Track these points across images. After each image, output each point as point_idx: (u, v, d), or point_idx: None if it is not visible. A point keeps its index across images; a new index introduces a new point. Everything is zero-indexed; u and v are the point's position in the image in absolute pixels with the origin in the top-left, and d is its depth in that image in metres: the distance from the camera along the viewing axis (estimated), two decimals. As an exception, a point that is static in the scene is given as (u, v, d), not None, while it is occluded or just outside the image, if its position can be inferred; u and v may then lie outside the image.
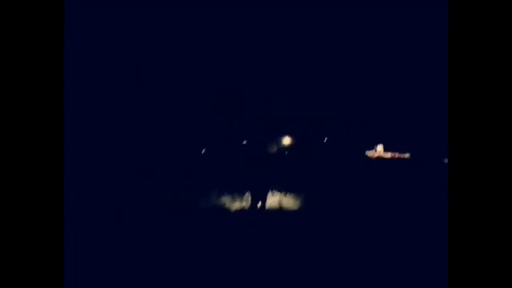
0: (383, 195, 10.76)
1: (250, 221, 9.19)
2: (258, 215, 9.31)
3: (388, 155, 17.40)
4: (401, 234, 7.56)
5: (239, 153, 13.38)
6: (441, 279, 4.60)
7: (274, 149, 12.39)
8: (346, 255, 6.54)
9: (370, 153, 17.51)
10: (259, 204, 10.51)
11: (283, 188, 11.44)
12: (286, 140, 14.57)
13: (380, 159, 16.98)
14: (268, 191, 10.87)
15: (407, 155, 17.12)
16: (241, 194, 11.09)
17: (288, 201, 11.03)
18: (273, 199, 10.91)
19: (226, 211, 9.86)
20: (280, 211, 10.58)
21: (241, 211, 9.80)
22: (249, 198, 10.69)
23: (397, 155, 17.30)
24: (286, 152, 14.57)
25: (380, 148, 17.59)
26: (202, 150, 13.05)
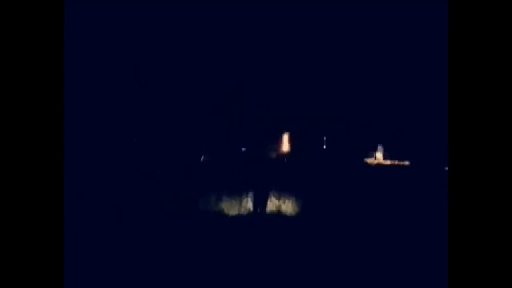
0: (382, 196, 10.75)
1: (249, 221, 9.19)
2: (257, 217, 9.32)
3: (388, 162, 17.38)
4: (400, 236, 7.56)
5: (239, 153, 13.39)
6: (441, 278, 4.60)
7: (273, 154, 12.45)
8: (346, 258, 6.53)
9: (369, 160, 17.50)
10: (259, 209, 10.59)
11: (283, 189, 11.51)
12: (285, 146, 14.55)
13: (379, 165, 16.96)
14: (268, 193, 10.95)
15: (406, 163, 17.08)
16: (240, 195, 11.13)
17: (287, 205, 11.07)
18: (273, 202, 10.99)
19: (225, 211, 9.86)
20: (279, 213, 10.69)
21: (241, 212, 9.80)
22: (249, 200, 10.76)
23: (396, 162, 17.28)
24: (285, 160, 14.55)
25: (379, 155, 17.59)
26: (201, 158, 13.04)
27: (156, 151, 13.11)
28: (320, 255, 6.77)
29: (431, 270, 5.70)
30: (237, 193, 11.16)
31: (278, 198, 11.32)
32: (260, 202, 10.69)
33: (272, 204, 11.01)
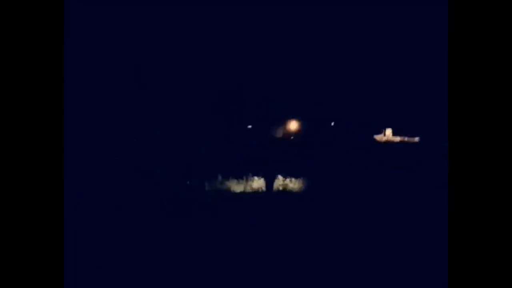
0: (384, 193, 10.79)
1: (248, 222, 9.20)
2: (254, 220, 9.45)
3: (397, 139, 17.50)
4: (401, 233, 7.56)
5: (239, 153, 13.45)
6: (441, 278, 4.60)
7: (280, 133, 13.00)
8: (347, 236, 6.70)
9: (378, 137, 17.58)
10: (267, 188, 11.21)
11: (290, 169, 12.07)
12: (293, 125, 14.85)
13: (388, 143, 17.08)
14: (275, 173, 11.58)
15: (416, 139, 17.23)
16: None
17: (294, 183, 11.67)
18: (280, 181, 11.61)
19: (225, 211, 9.87)
20: (285, 191, 11.28)
21: (241, 213, 9.82)
22: (256, 179, 11.49)
23: (406, 139, 17.38)
24: (292, 137, 14.92)
25: (388, 132, 17.71)
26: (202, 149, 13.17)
27: (156, 151, 13.12)
28: (323, 233, 7.06)
29: (431, 270, 5.70)
30: (245, 173, 11.82)
31: (285, 177, 11.93)
32: (269, 181, 11.49)
33: (279, 182, 11.72)
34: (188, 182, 11.64)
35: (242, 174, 11.97)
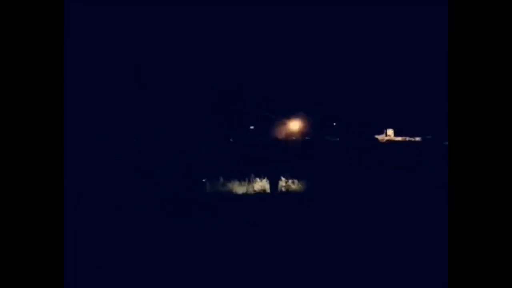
0: (385, 193, 10.80)
1: (248, 223, 9.21)
2: (257, 220, 9.48)
3: (399, 138, 17.55)
4: (401, 233, 7.56)
5: (240, 154, 13.47)
6: (441, 278, 4.60)
7: (282, 134, 13.16)
8: (348, 233, 6.75)
9: (380, 137, 17.61)
10: (271, 189, 11.34)
11: (293, 170, 12.16)
12: (294, 126, 14.95)
13: (390, 142, 17.11)
14: (278, 174, 11.70)
15: (417, 139, 17.29)
16: (243, 196, 11.26)
17: (297, 185, 11.79)
18: (284, 182, 11.74)
19: (227, 212, 9.87)
20: (288, 192, 11.38)
21: (243, 214, 9.83)
22: (259, 180, 11.58)
23: (407, 139, 17.42)
24: (294, 138, 14.99)
25: (390, 132, 17.77)
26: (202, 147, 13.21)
27: (156, 151, 13.12)
28: (326, 232, 7.17)
29: (431, 270, 5.70)
30: (247, 174, 11.89)
31: (288, 178, 12.01)
32: (272, 182, 11.61)
33: (282, 184, 11.81)
34: (203, 180, 11.64)
35: (244, 176, 11.99)
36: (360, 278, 5.66)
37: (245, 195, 11.30)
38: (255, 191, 11.66)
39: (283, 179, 12.11)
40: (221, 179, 11.82)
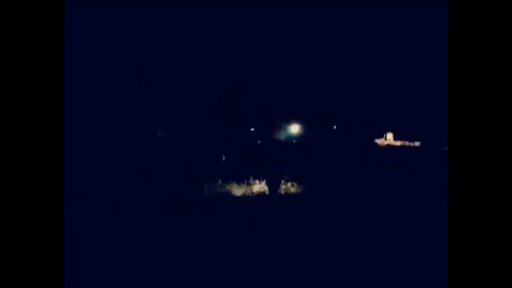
0: (385, 194, 10.81)
1: (247, 224, 9.22)
2: (255, 220, 9.50)
3: (398, 143, 17.53)
4: (401, 234, 7.56)
5: (239, 153, 13.46)
6: (441, 278, 4.60)
7: (281, 136, 13.21)
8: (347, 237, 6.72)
9: (379, 141, 17.59)
10: (271, 191, 11.37)
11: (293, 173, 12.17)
12: (295, 129, 14.97)
13: (389, 147, 17.09)
14: (278, 177, 11.73)
15: (417, 144, 17.27)
16: (242, 198, 11.26)
17: (296, 188, 11.80)
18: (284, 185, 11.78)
19: (226, 211, 9.88)
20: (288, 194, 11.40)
21: (243, 214, 9.84)
22: (258, 182, 11.58)
23: (407, 143, 17.40)
24: (294, 141, 15.01)
25: (390, 136, 17.75)
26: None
27: (156, 151, 13.12)
28: (325, 234, 7.17)
29: (431, 270, 5.70)
30: (246, 175, 11.90)
31: (287, 181, 12.03)
32: (271, 184, 11.66)
33: (281, 186, 11.85)
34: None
35: (243, 177, 11.99)
36: (360, 278, 5.66)
37: (243, 197, 11.29)
38: (253, 193, 11.64)
39: (282, 181, 12.12)
40: (219, 182, 11.78)
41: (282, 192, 11.81)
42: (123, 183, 11.06)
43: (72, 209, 7.29)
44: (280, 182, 11.97)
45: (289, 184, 12.07)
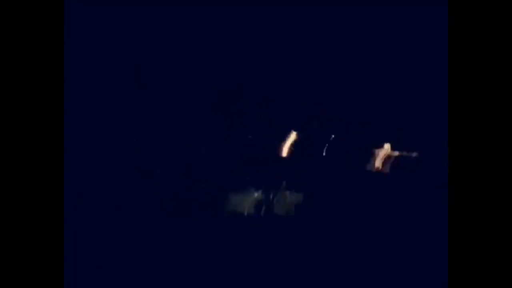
0: (383, 195, 10.77)
1: (251, 223, 9.21)
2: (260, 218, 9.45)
3: (396, 153, 17.51)
4: (401, 234, 7.55)
5: (239, 153, 13.44)
6: (441, 278, 4.60)
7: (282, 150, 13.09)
8: (345, 252, 6.63)
9: (377, 151, 17.56)
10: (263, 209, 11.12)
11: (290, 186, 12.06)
12: (292, 136, 14.92)
13: (387, 157, 17.07)
14: (274, 191, 11.52)
15: (414, 154, 17.25)
16: (241, 195, 11.23)
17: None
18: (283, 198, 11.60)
19: (226, 211, 9.86)
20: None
21: (241, 213, 9.83)
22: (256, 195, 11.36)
23: (405, 153, 17.40)
24: (293, 149, 14.94)
25: (387, 146, 17.74)
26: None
27: (156, 151, 13.11)
28: (325, 235, 7.09)
29: (431, 270, 5.70)
30: (239, 189, 11.72)
31: (287, 186, 11.92)
32: (270, 188, 11.54)
33: (281, 190, 11.73)
34: (250, 136, 11.37)
35: (242, 180, 11.85)
36: (360, 278, 5.66)
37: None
38: (253, 197, 11.57)
39: (282, 184, 12.04)
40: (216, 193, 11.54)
41: (281, 196, 11.73)
42: (123, 183, 11.05)
43: (72, 209, 7.28)
44: (279, 186, 11.89)
45: (288, 192, 11.97)
